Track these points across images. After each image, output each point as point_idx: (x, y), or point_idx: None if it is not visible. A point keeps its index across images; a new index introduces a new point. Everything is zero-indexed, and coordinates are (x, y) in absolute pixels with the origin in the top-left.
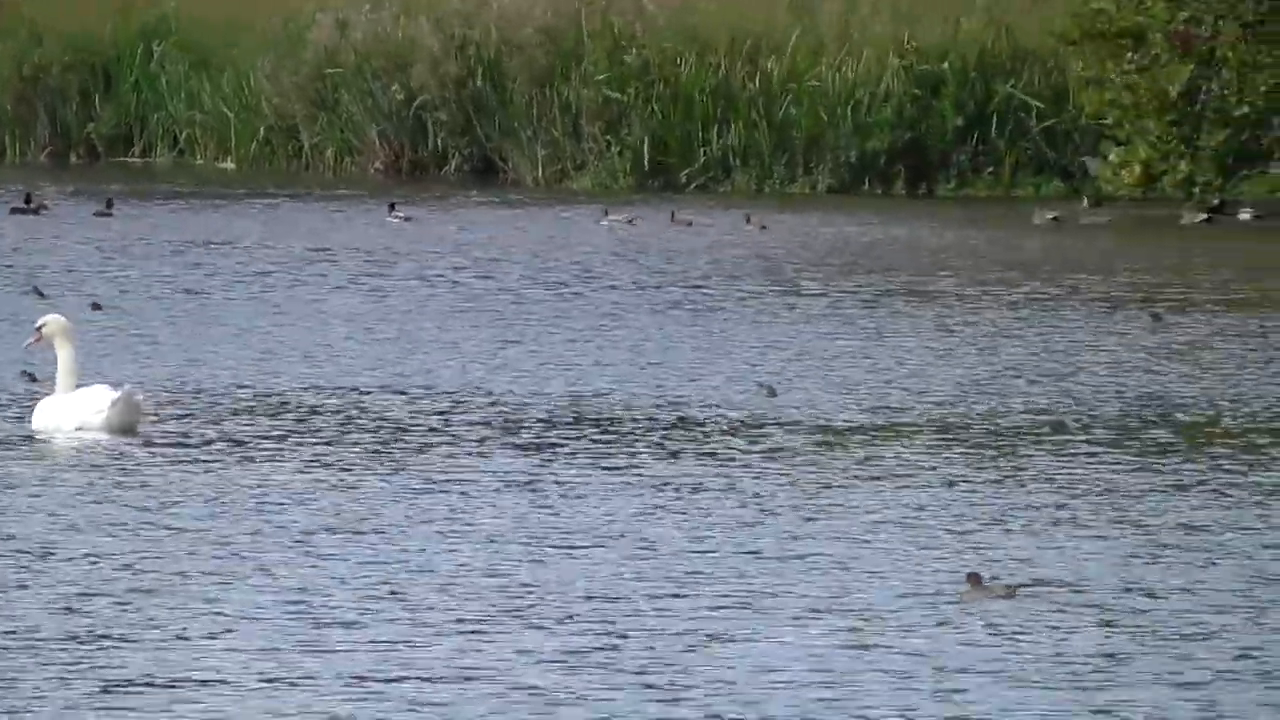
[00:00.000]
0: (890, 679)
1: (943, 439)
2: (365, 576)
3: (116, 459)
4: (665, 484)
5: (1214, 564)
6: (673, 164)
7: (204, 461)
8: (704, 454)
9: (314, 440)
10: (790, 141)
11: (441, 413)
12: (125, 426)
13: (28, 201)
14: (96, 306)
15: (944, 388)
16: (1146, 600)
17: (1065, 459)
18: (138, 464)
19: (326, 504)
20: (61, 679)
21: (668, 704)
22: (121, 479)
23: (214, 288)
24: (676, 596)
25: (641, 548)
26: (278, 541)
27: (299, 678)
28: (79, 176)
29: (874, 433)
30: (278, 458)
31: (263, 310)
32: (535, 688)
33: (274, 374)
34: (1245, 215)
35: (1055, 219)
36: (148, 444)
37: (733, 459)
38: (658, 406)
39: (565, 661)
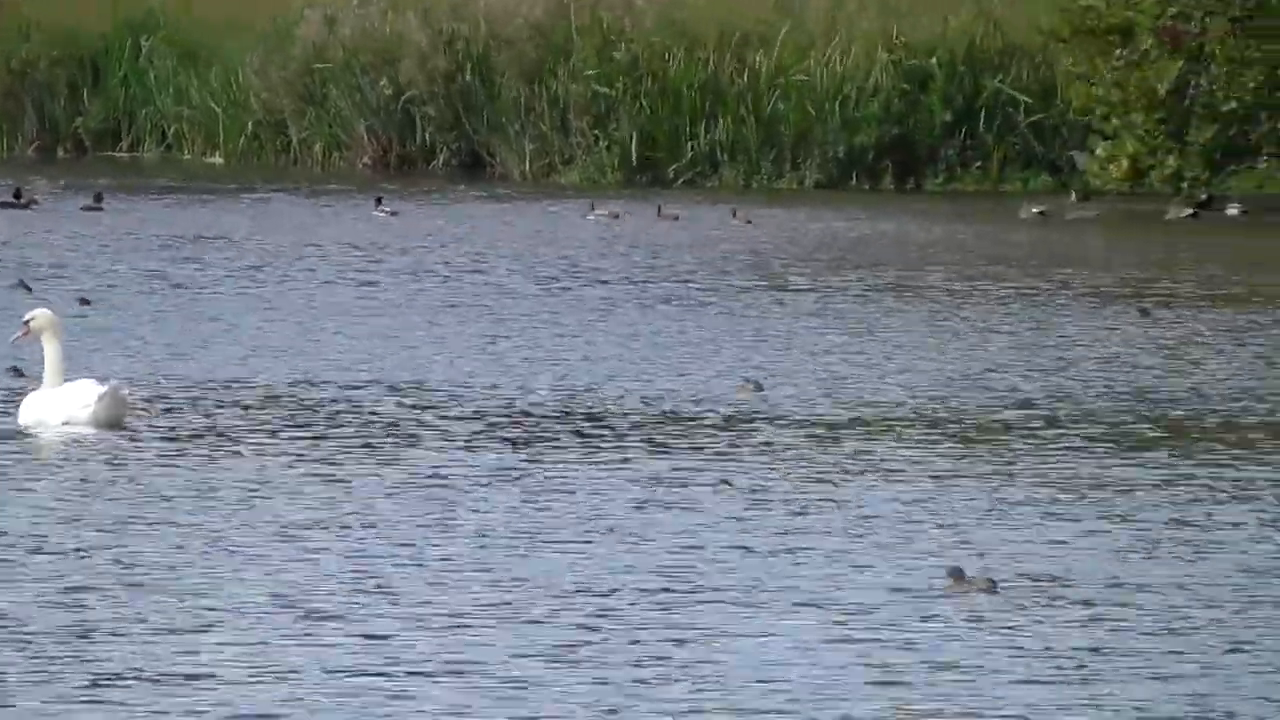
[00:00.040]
0: (877, 672)
1: (931, 434)
2: (353, 571)
3: (103, 453)
4: (653, 479)
5: (1202, 558)
6: (660, 159)
7: (191, 456)
8: (692, 449)
9: (302, 435)
10: (778, 137)
11: (430, 407)
12: (112, 421)
13: (17, 196)
14: (84, 301)
15: (932, 382)
16: (1134, 594)
17: (1053, 454)
18: (124, 458)
19: (314, 498)
20: (50, 673)
21: (656, 698)
22: (108, 473)
23: (202, 282)
24: (665, 591)
25: (630, 542)
26: (265, 535)
27: (286, 671)
28: (66, 171)
29: (862, 427)
30: (265, 452)
31: (250, 305)
32: (523, 682)
33: (261, 368)
34: (1233, 210)
35: (1042, 213)
36: (134, 439)
37: (721, 454)
38: (646, 401)
39: (553, 655)
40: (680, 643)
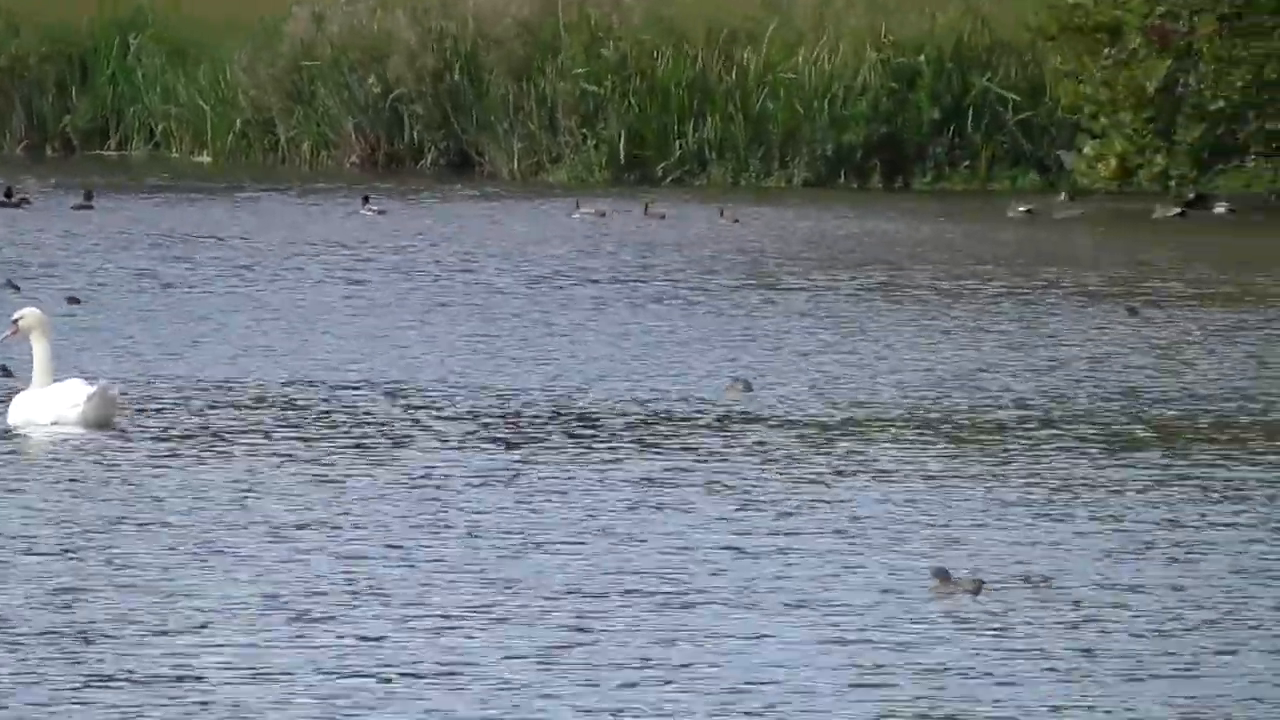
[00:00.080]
0: (868, 674)
1: (922, 434)
2: (344, 571)
3: (92, 454)
4: (643, 479)
5: (1194, 559)
6: (649, 157)
7: (181, 456)
8: (683, 449)
9: (292, 435)
10: (766, 135)
11: (420, 407)
12: (101, 421)
13: (9, 195)
14: (73, 300)
15: (923, 382)
16: (1125, 595)
17: (1044, 454)
18: (114, 459)
19: (305, 499)
20: (40, 674)
21: (646, 699)
22: (98, 474)
23: (191, 282)
24: (655, 592)
25: (621, 543)
26: (256, 536)
27: (278, 672)
28: (55, 169)
29: (853, 427)
30: (256, 452)
31: (240, 304)
32: (514, 683)
33: (251, 368)
34: (1220, 209)
35: (1029, 212)
36: (124, 439)
37: (711, 454)
38: (636, 401)
39: (544, 657)
40: (671, 644)
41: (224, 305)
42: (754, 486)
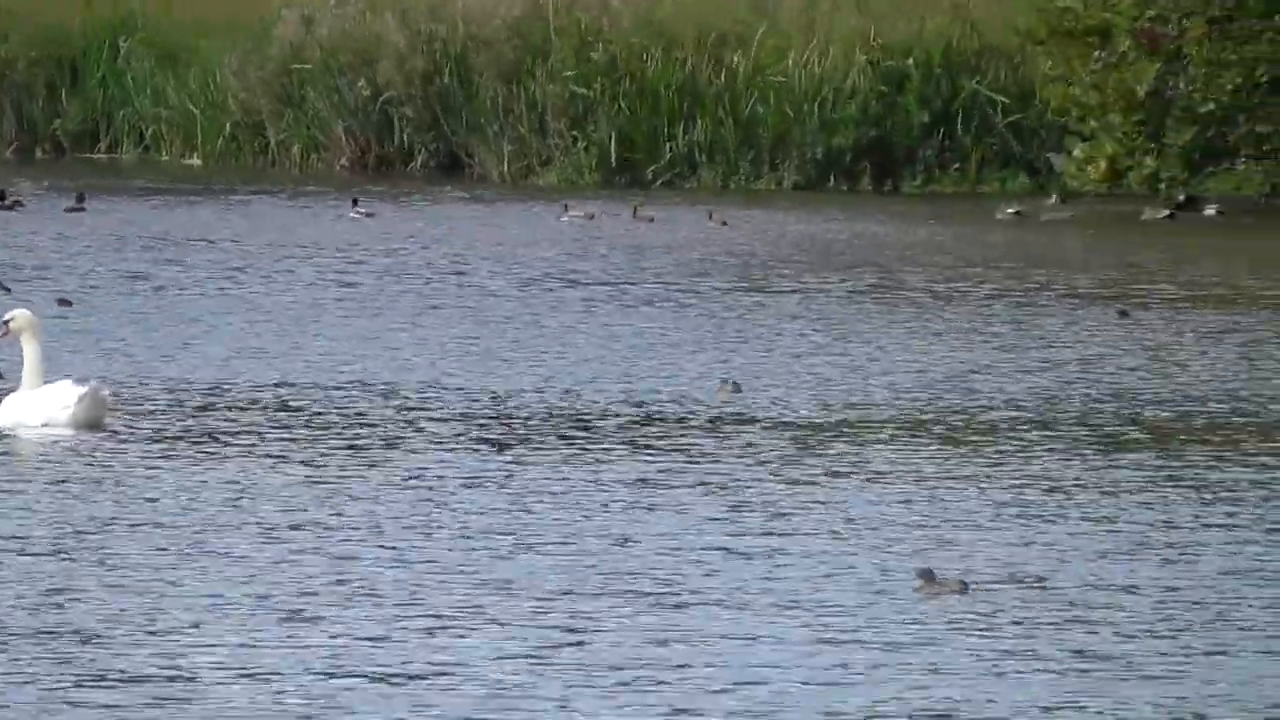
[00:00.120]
0: (858, 674)
1: (913, 435)
2: (336, 572)
3: (83, 455)
4: (636, 480)
5: (1186, 560)
6: (639, 160)
7: (173, 457)
8: (675, 450)
9: (284, 436)
10: (756, 138)
11: (412, 409)
12: (91, 422)
13: (2, 197)
14: (64, 302)
15: (915, 384)
16: (1116, 596)
17: (1036, 455)
18: (105, 460)
19: (297, 500)
20: (31, 674)
21: (637, 700)
22: (89, 475)
23: (183, 284)
24: (648, 593)
25: (612, 544)
26: (248, 537)
27: (269, 673)
28: (45, 172)
29: (844, 428)
30: (246, 454)
31: (231, 306)
32: (506, 684)
33: (243, 370)
34: (1210, 211)
35: (1017, 213)
36: (114, 440)
37: (703, 455)
38: (628, 403)
39: (536, 658)
40: (663, 645)
41: (215, 307)
42: (746, 488)
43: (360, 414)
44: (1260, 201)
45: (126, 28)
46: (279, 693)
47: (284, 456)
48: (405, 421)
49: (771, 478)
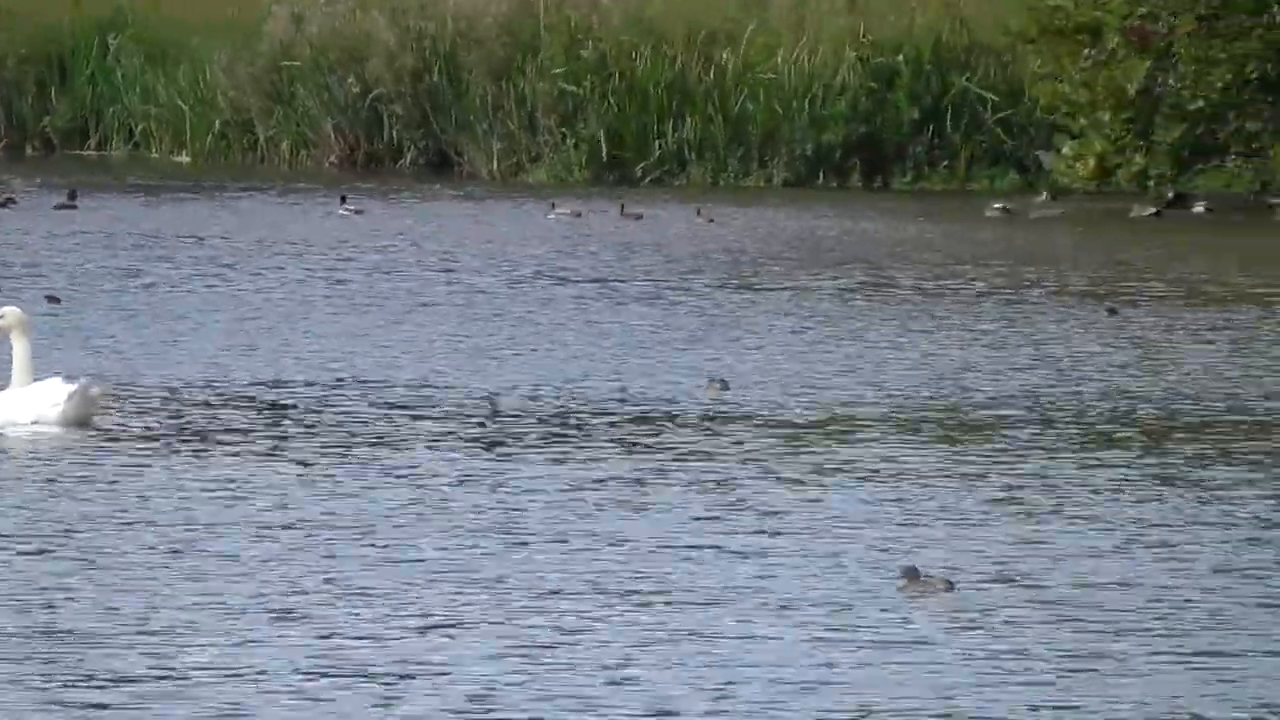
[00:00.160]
0: (845, 673)
1: (902, 433)
2: (326, 571)
3: (73, 453)
4: (625, 478)
5: (1175, 558)
6: (628, 157)
7: (162, 455)
8: (665, 448)
9: (273, 434)
10: (745, 135)
11: (401, 407)
12: (81, 420)
13: None
14: (53, 299)
15: (904, 382)
16: (1105, 595)
17: (1025, 452)
18: (94, 458)
19: (286, 498)
20: (22, 675)
21: (627, 699)
22: (78, 473)
23: (172, 281)
24: (635, 592)
25: (602, 542)
26: (237, 536)
27: (258, 672)
28: (35, 169)
29: (834, 427)
30: (237, 451)
31: (220, 303)
32: (495, 683)
33: (233, 367)
34: (1199, 209)
35: (1005, 209)
36: (104, 438)
37: (693, 453)
38: (618, 401)
39: (525, 657)
40: (653, 644)
41: (204, 304)
42: (736, 486)
43: (350, 412)
44: (1249, 199)
45: (116, 25)
46: (269, 692)
47: (274, 454)
48: (395, 419)
49: (761, 476)
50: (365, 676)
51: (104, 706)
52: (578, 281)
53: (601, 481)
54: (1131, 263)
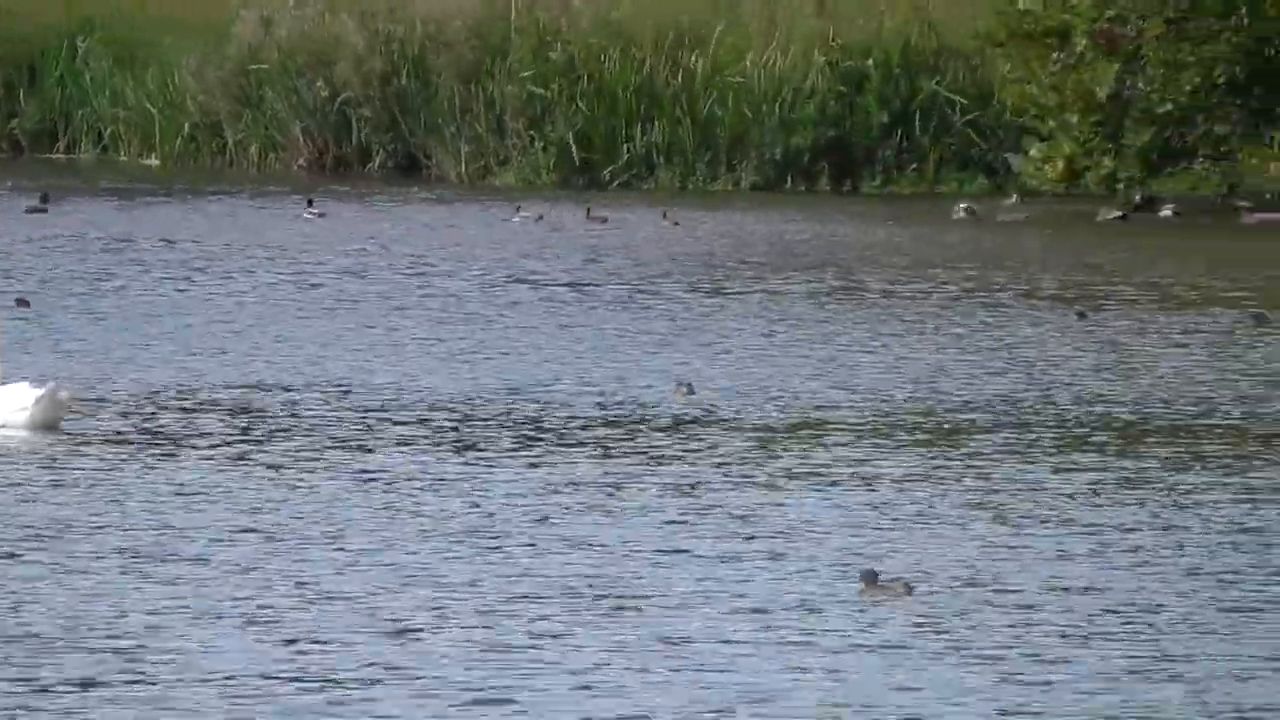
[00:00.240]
0: (814, 677)
1: (872, 437)
2: (295, 575)
3: (41, 456)
4: (596, 482)
5: (1146, 562)
6: (597, 160)
7: (132, 459)
8: (634, 453)
9: (243, 438)
10: (714, 138)
11: (373, 410)
12: (49, 424)
13: None
14: (22, 302)
15: (874, 385)
16: (1075, 599)
17: (994, 456)
18: (62, 462)
19: (257, 502)
20: None
21: (598, 702)
22: (46, 477)
23: (142, 284)
24: (606, 596)
25: (571, 546)
26: (206, 539)
27: (226, 677)
28: (4, 172)
29: (804, 430)
30: (206, 455)
31: (190, 307)
32: (469, 686)
33: (202, 371)
34: (1166, 212)
35: (970, 211)
36: (72, 442)
37: (663, 458)
38: (588, 404)
39: (499, 660)
40: (624, 647)
41: (175, 308)
42: (705, 490)
43: (321, 415)
44: (1216, 202)
45: (85, 28)
46: (237, 696)
47: (244, 458)
48: (366, 423)
49: (732, 479)
50: (335, 681)
51: (73, 711)
52: (547, 285)
53: (573, 485)
54: (1100, 266)
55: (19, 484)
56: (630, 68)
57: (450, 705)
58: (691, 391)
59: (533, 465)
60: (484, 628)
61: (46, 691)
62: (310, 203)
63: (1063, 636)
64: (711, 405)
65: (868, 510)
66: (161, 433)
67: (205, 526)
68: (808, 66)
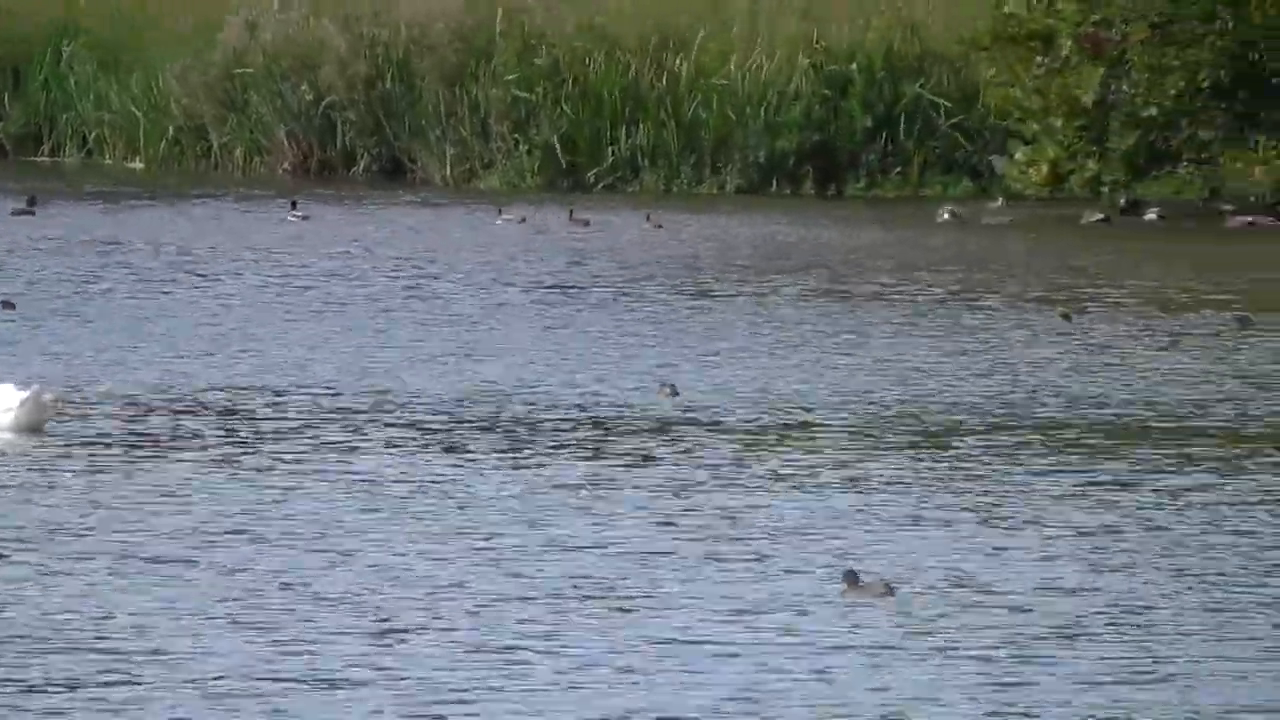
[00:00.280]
0: (800, 678)
1: (858, 439)
2: (282, 577)
3: (25, 459)
4: (580, 484)
5: (1130, 565)
6: (581, 163)
7: (117, 461)
8: (619, 454)
9: (229, 440)
10: (698, 141)
11: (358, 412)
12: (33, 426)
13: None
14: (6, 304)
15: (859, 387)
16: (1060, 600)
17: (980, 458)
18: (48, 464)
19: (242, 504)
20: None
21: (583, 703)
22: (31, 479)
23: (127, 287)
24: (590, 597)
25: (555, 548)
26: (192, 541)
27: (213, 678)
28: None
29: (788, 432)
30: (192, 458)
31: (175, 310)
32: (451, 685)
33: (187, 373)
34: (1151, 215)
35: (954, 214)
36: (57, 444)
37: (647, 459)
38: (573, 406)
39: (481, 662)
40: (606, 648)
41: (161, 311)
42: (690, 492)
43: (306, 417)
44: (1200, 205)
45: (69, 31)
46: (223, 696)
47: (229, 460)
48: (351, 425)
49: (717, 481)
50: (321, 682)
51: (58, 713)
52: (532, 288)
53: (558, 486)
54: (1084, 269)
55: (4, 486)
56: (615, 71)
57: (437, 705)
58: (675, 393)
59: (518, 467)
60: (470, 628)
61: (33, 692)
62: (294, 205)
63: (1050, 638)
64: (697, 407)
65: (853, 512)
66: (147, 435)
67: (192, 528)
68: (792, 70)
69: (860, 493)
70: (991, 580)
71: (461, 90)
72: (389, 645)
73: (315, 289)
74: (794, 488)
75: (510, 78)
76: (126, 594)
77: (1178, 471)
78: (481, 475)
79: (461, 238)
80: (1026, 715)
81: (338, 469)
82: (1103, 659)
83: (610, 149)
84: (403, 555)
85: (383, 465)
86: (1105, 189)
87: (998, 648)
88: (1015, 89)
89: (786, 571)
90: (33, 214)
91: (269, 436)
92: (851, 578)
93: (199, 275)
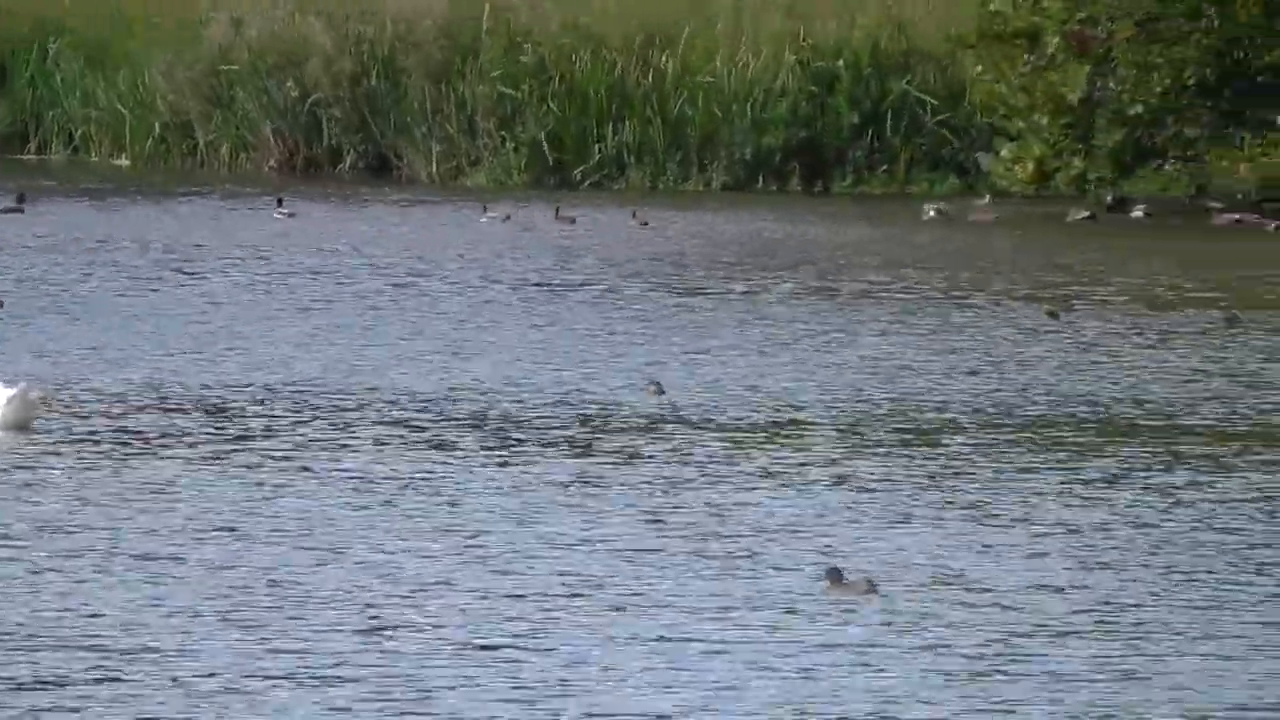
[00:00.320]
0: (785, 677)
1: (845, 436)
2: (270, 575)
3: (13, 456)
4: (567, 482)
5: (1120, 563)
6: (568, 161)
7: (105, 459)
8: (607, 452)
9: (217, 438)
10: (685, 139)
11: (347, 410)
12: (20, 424)
13: None
14: None
15: (846, 385)
16: (1049, 599)
17: (968, 456)
18: (35, 462)
19: (230, 502)
20: None
21: (570, 702)
22: (19, 477)
23: (116, 285)
24: (578, 594)
25: (543, 545)
26: (181, 540)
27: (201, 677)
28: None
29: (776, 430)
30: (180, 456)
31: (162, 307)
32: (439, 686)
33: (175, 371)
34: (1138, 213)
35: (940, 212)
36: (44, 441)
37: (635, 457)
38: (560, 404)
39: (469, 660)
40: (594, 645)
41: (149, 308)
42: (680, 489)
43: (295, 414)
44: (1186, 203)
45: (55, 29)
46: (211, 694)
47: (218, 458)
48: (339, 422)
49: (705, 479)
50: (309, 680)
51: (45, 710)
52: (519, 286)
53: (546, 484)
54: (1071, 266)
55: None
56: (601, 68)
57: (426, 702)
58: (661, 391)
59: (505, 464)
60: (459, 626)
61: (22, 690)
62: (280, 202)
63: (1038, 635)
64: (684, 405)
65: (842, 509)
66: (135, 432)
67: (179, 526)
68: (778, 67)
69: (849, 490)
70: (980, 577)
71: (448, 87)
72: (377, 642)
73: (302, 286)
74: (783, 485)
75: (496, 75)
76: (115, 591)
77: (1166, 469)
78: (470, 472)
79: (448, 235)
80: (1014, 713)
81: (326, 466)
82: (1092, 656)
83: (596, 146)
84: (391, 553)
85: (371, 463)
86: (1091, 186)
87: (986, 645)
88: (1001, 86)
89: (775, 569)
90: (21, 212)
91: (257, 434)
92: (835, 575)
93: (186, 273)
